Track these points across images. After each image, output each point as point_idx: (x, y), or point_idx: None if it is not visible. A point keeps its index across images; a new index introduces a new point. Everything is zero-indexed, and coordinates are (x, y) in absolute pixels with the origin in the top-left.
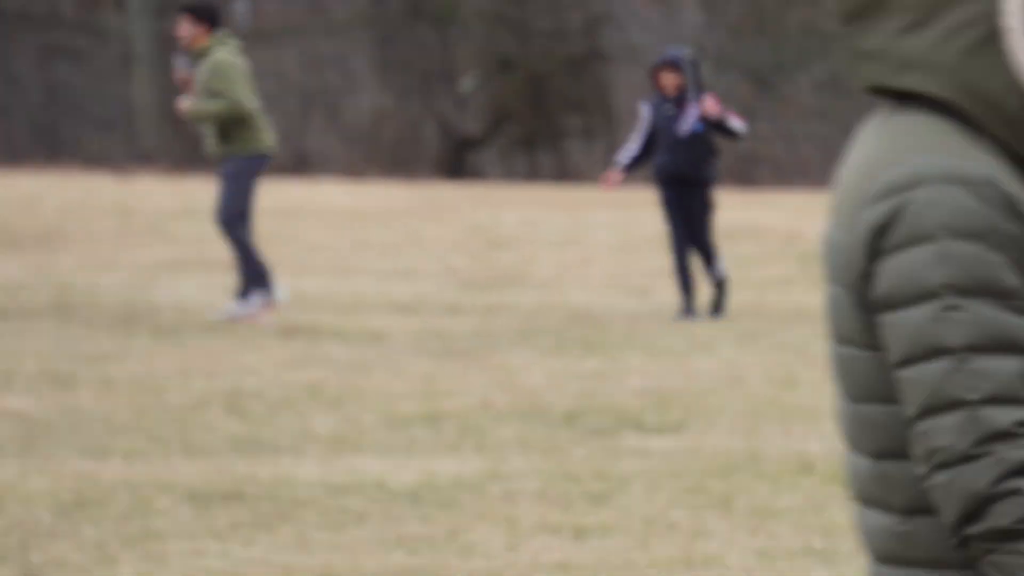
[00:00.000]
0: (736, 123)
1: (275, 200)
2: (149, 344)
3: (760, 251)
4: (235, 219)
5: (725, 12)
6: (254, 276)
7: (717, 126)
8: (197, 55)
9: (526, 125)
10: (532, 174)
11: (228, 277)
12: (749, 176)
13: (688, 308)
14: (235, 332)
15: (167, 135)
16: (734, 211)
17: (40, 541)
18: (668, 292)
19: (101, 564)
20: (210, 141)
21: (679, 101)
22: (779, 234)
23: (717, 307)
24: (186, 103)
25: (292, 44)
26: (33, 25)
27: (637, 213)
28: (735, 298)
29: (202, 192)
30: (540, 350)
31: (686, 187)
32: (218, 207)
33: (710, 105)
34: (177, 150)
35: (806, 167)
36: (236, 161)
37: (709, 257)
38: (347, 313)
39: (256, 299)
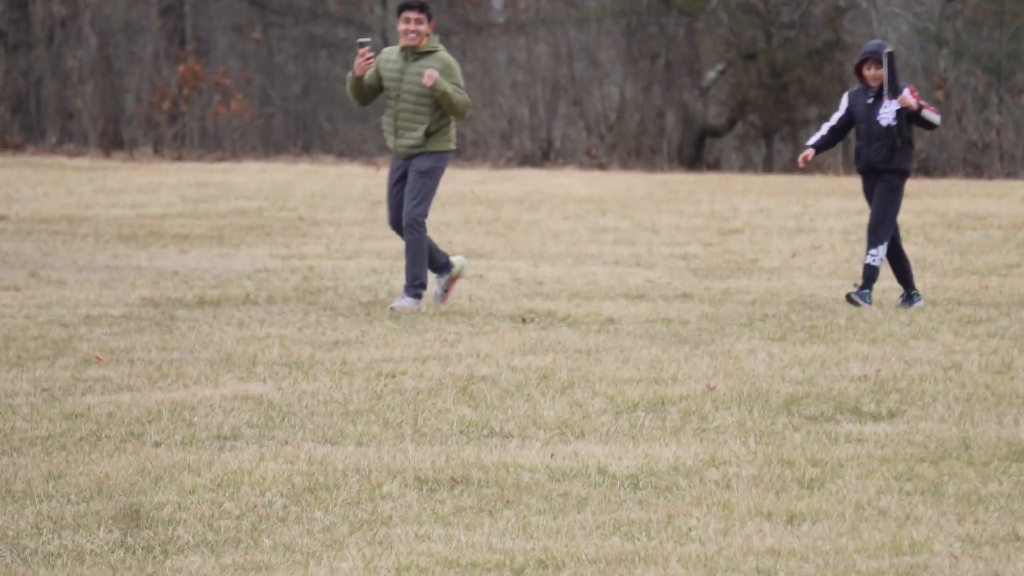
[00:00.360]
0: (931, 115)
1: (519, 189)
2: (388, 330)
3: (985, 238)
4: (425, 217)
5: (965, 2)
6: (442, 266)
7: (913, 118)
8: (422, 52)
9: (765, 115)
10: (769, 163)
11: (467, 265)
12: (979, 165)
13: (907, 295)
14: (472, 319)
15: None
16: (962, 199)
17: (271, 525)
18: (893, 279)
19: (328, 549)
20: (412, 134)
21: (880, 93)
22: (1004, 222)
23: (857, 294)
24: (436, 73)
25: (544, 35)
26: (297, 18)
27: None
28: (957, 283)
29: (445, 182)
30: (765, 336)
31: (879, 176)
32: (414, 202)
33: (906, 98)
34: None
35: None
36: (431, 157)
37: (871, 242)
38: (581, 300)
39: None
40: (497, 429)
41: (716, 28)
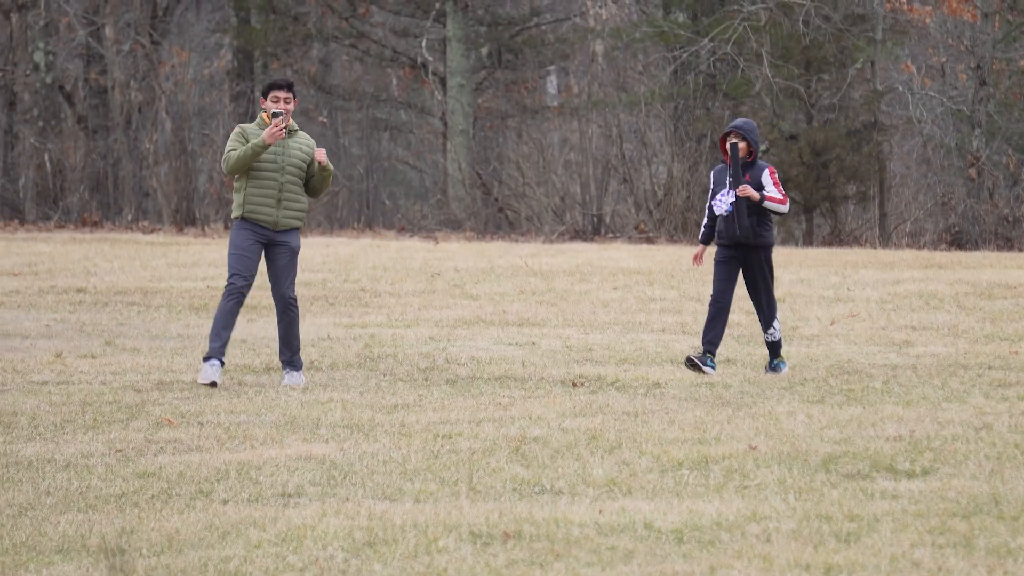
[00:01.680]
0: (774, 205)
1: (571, 261)
2: (445, 394)
3: (1015, 307)
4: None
5: (997, 85)
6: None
7: (756, 206)
8: (293, 129)
9: (806, 192)
10: (809, 237)
11: (520, 333)
12: (1009, 238)
13: (705, 360)
14: (525, 383)
15: (475, 203)
16: (994, 270)
17: None
18: (928, 345)
19: None
20: (295, 207)
21: (745, 167)
22: None
23: (771, 365)
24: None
25: (596, 118)
26: (361, 102)
27: (900, 272)
28: (988, 349)
29: (501, 256)
30: (804, 399)
31: (743, 251)
32: (290, 283)
33: (745, 188)
34: (482, 217)
35: None
36: (297, 235)
37: (768, 321)
38: (629, 365)
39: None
40: (548, 486)
41: (760, 111)
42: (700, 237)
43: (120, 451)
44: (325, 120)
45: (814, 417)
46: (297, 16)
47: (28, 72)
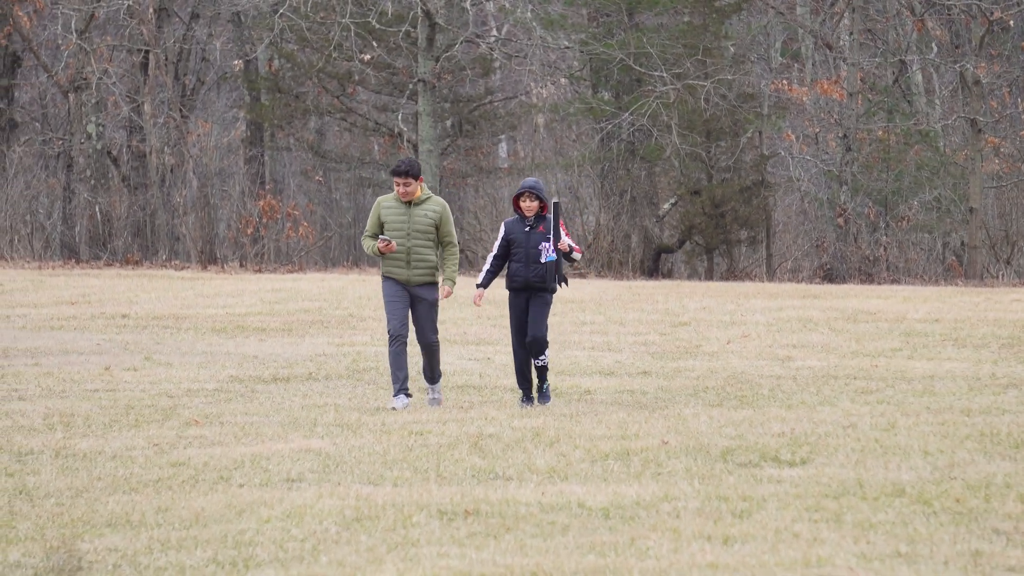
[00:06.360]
0: (577, 255)
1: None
2: (418, 399)
3: (874, 329)
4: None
5: (860, 151)
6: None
7: (566, 256)
8: (420, 200)
9: (707, 237)
10: (709, 273)
11: (478, 351)
12: (871, 274)
13: (527, 398)
14: (482, 391)
15: None
16: (858, 299)
17: (327, 546)
18: (806, 360)
19: (371, 564)
20: (424, 266)
21: (536, 221)
22: (889, 316)
23: (542, 391)
24: (449, 291)
25: (538, 176)
26: (349, 164)
27: (784, 301)
28: (853, 363)
29: (463, 288)
30: (706, 403)
31: (533, 292)
32: (432, 328)
33: (564, 243)
34: None
35: (913, 267)
36: (434, 288)
37: (543, 349)
38: (565, 376)
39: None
40: (500, 473)
41: (670, 171)
42: (482, 281)
43: (156, 445)
44: (320, 179)
45: (714, 417)
46: (298, 95)
47: (83, 140)
